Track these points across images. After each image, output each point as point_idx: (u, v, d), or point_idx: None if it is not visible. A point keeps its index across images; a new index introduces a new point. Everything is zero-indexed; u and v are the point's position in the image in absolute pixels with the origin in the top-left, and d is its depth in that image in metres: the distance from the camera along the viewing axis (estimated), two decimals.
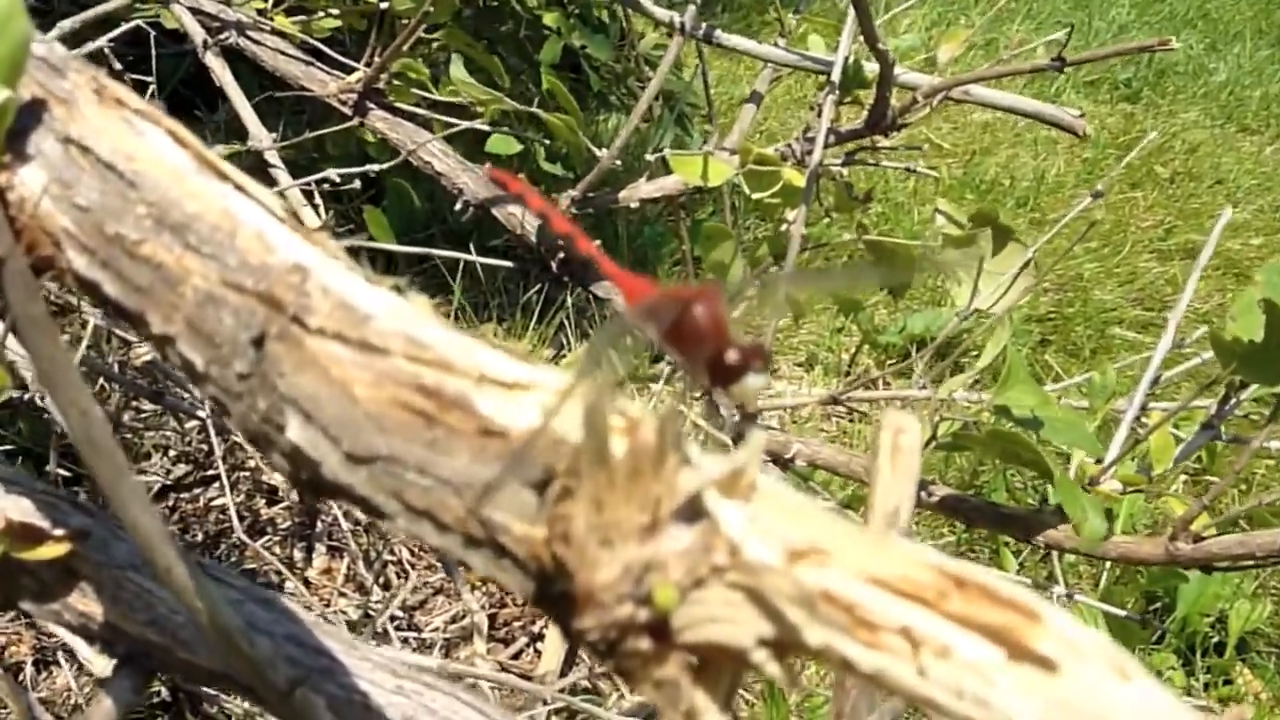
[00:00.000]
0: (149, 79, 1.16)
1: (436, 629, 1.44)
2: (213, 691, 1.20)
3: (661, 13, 1.05)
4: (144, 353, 1.24)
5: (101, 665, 0.52)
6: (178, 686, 1.24)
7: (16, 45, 0.35)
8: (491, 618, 1.48)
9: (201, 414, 1.30)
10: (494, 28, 1.90)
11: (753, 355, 0.34)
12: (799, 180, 0.92)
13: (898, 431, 0.44)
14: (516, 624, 1.50)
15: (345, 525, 1.44)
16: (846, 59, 0.96)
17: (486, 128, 1.06)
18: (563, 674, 1.34)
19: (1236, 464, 0.80)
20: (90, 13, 1.04)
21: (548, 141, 1.16)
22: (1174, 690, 0.47)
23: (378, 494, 0.31)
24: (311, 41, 1.15)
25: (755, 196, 0.94)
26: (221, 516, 1.47)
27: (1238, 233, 2.74)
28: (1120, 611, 1.01)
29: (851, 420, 2.04)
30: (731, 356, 0.34)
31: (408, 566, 1.51)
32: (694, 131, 2.10)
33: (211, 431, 1.30)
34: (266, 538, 1.48)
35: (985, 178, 2.88)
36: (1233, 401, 0.90)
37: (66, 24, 1.01)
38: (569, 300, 1.96)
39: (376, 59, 1.07)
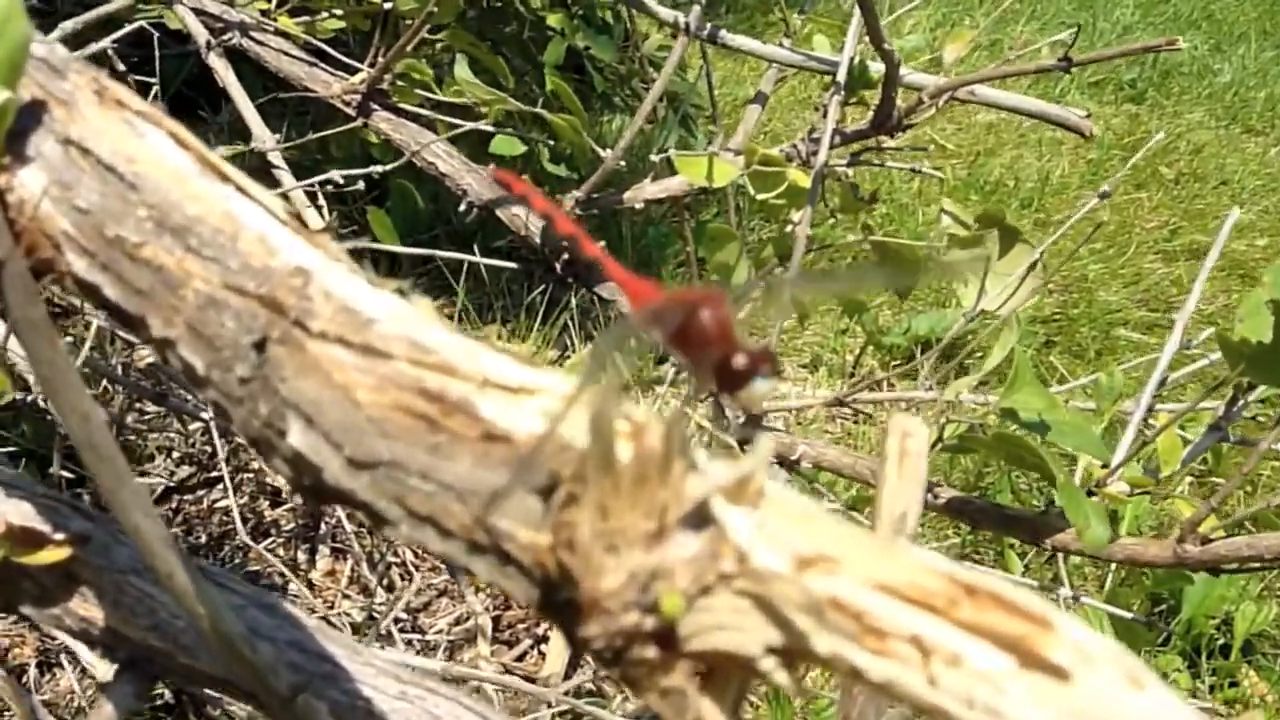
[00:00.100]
0: (152, 80, 1.16)
1: (440, 631, 1.44)
2: (216, 694, 1.19)
3: (666, 13, 1.05)
4: (147, 354, 1.24)
5: (104, 669, 0.51)
6: (181, 690, 1.24)
7: (16, 46, 0.35)
8: (495, 620, 1.47)
9: (205, 416, 1.30)
10: (498, 29, 1.90)
11: (761, 359, 0.34)
12: (804, 181, 0.92)
13: (904, 435, 0.43)
14: (521, 626, 1.49)
15: (349, 527, 1.44)
16: (852, 59, 0.96)
17: (491, 128, 1.06)
18: (567, 676, 1.34)
19: (1244, 466, 0.80)
20: (93, 13, 1.04)
21: (552, 142, 1.15)
22: (1179, 693, 0.46)
23: (380, 500, 0.30)
24: (315, 42, 1.15)
25: (760, 197, 0.93)
26: (225, 518, 1.47)
27: (1243, 234, 2.73)
28: (1126, 613, 1.01)
29: (856, 422, 2.04)
30: (739, 361, 0.34)
31: (412, 569, 1.51)
32: (698, 133, 2.10)
33: (215, 433, 1.29)
34: (270, 540, 1.48)
35: (990, 179, 2.88)
36: (1240, 403, 0.89)
37: (69, 25, 1.01)
38: (573, 302, 1.96)
39: (380, 59, 1.07)
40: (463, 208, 1.03)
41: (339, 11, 1.17)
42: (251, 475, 1.52)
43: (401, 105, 1.11)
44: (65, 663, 1.26)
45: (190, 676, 0.47)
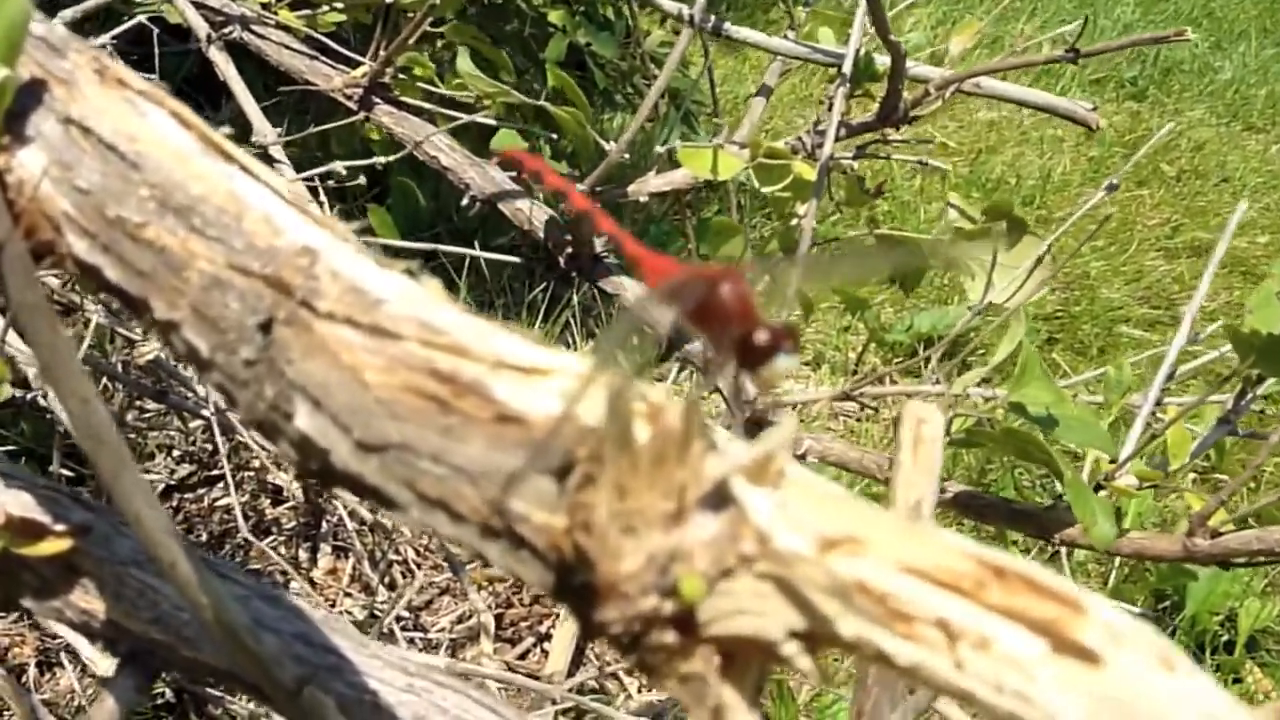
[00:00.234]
0: (152, 77, 1.15)
1: (443, 629, 1.44)
2: (217, 693, 1.19)
3: (670, 5, 1.04)
4: (148, 351, 1.23)
5: (105, 665, 0.51)
6: (182, 688, 1.23)
7: (14, 24, 0.34)
8: (498, 618, 1.47)
9: (206, 413, 1.29)
10: (499, 26, 1.89)
11: (782, 336, 0.33)
12: (810, 174, 0.91)
13: (919, 422, 0.43)
14: (523, 624, 1.49)
15: (350, 525, 1.43)
16: (858, 51, 0.95)
17: (493, 122, 1.05)
18: (570, 674, 1.33)
19: (1255, 459, 0.79)
20: (92, 2, 1.03)
21: (554, 137, 1.15)
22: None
23: (390, 483, 0.29)
24: (317, 36, 1.14)
25: (765, 190, 0.92)
26: (226, 516, 1.46)
27: (1244, 230, 2.73)
28: (1130, 609, 1.00)
29: (859, 420, 2.03)
30: (761, 337, 0.33)
31: (413, 566, 1.50)
32: (700, 129, 2.09)
33: (216, 431, 1.29)
34: (271, 538, 1.48)
35: (991, 176, 2.87)
36: (1249, 396, 0.88)
37: (67, 14, 1.00)
38: (575, 299, 1.95)
39: (382, 53, 1.06)
40: (465, 201, 1.03)
41: (340, 5, 1.16)
42: (252, 473, 1.51)
43: (403, 99, 1.10)
44: (65, 662, 1.25)
45: (193, 669, 0.46)
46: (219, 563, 0.54)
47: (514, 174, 1.01)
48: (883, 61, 0.97)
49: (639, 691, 1.42)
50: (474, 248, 1.19)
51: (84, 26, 1.05)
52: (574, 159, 1.70)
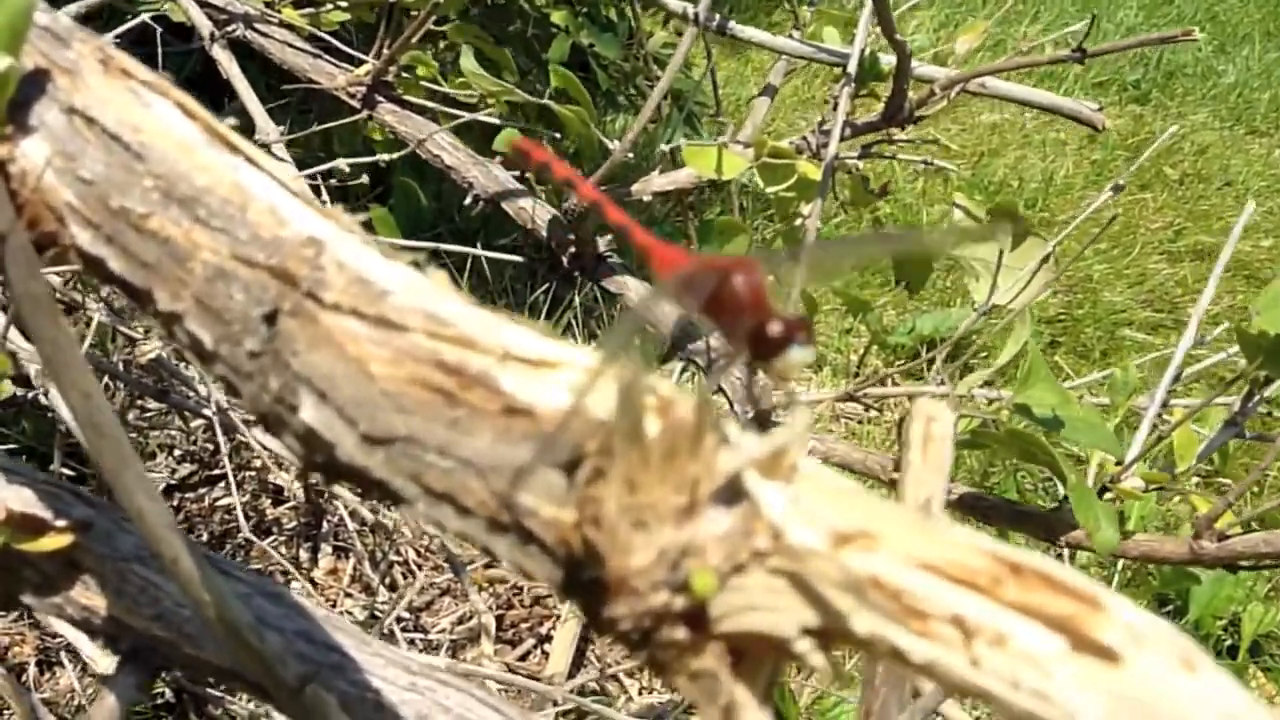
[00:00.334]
0: None
1: (443, 630, 1.43)
2: (217, 693, 1.19)
3: (675, 3, 1.04)
4: (149, 350, 1.23)
5: (105, 664, 0.50)
6: (182, 688, 1.23)
7: (18, 12, 0.34)
8: (499, 619, 1.46)
9: (208, 412, 1.29)
10: (502, 27, 1.89)
11: (797, 327, 0.32)
12: (814, 173, 0.91)
13: (929, 420, 0.42)
14: (524, 625, 1.48)
15: (351, 525, 1.43)
16: (863, 51, 0.95)
17: (496, 121, 1.05)
18: (571, 675, 1.33)
19: (1262, 462, 0.79)
20: None
21: (557, 136, 1.14)
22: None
23: (396, 477, 0.29)
24: (320, 35, 1.13)
25: (769, 190, 0.92)
26: (227, 516, 1.46)
27: (1247, 234, 2.72)
28: None
29: (860, 423, 2.03)
30: (775, 328, 0.32)
31: (414, 567, 1.50)
32: (703, 131, 2.09)
33: (218, 430, 1.28)
34: (272, 538, 1.47)
35: (994, 179, 2.87)
36: (1256, 398, 0.88)
37: (71, 8, 1.00)
38: (577, 300, 1.95)
39: (385, 52, 1.06)
40: (469, 200, 1.02)
41: (344, 3, 1.15)
42: (254, 473, 1.51)
43: (407, 98, 1.10)
44: (65, 661, 1.25)
45: (195, 667, 0.46)
46: (221, 559, 0.54)
47: (520, 168, 1.00)
48: (888, 61, 0.97)
49: (640, 693, 1.42)
50: (476, 248, 1.18)
51: (86, 25, 1.05)
52: (577, 159, 1.69)
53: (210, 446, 1.48)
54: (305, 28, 1.13)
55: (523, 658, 1.44)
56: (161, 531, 0.33)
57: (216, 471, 1.48)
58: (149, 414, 1.53)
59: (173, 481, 1.50)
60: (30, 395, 1.16)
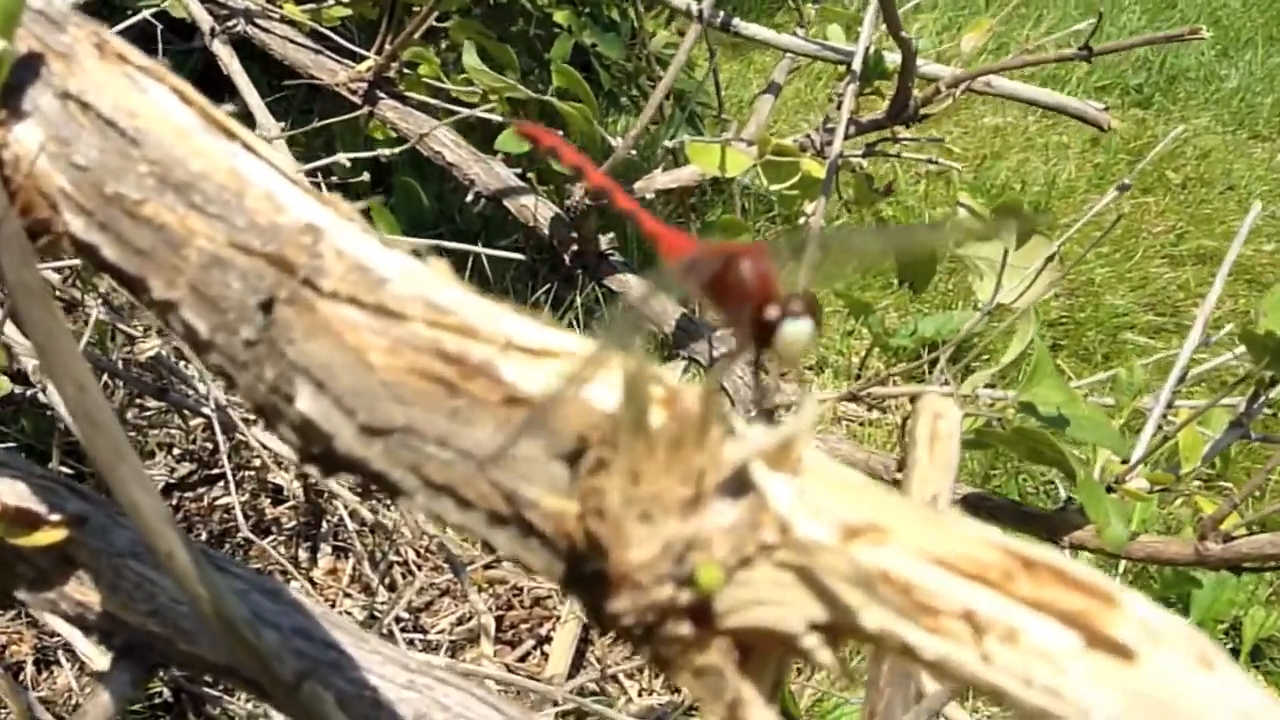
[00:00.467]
0: None
1: (443, 631, 1.42)
2: (215, 692, 1.18)
3: (678, 0, 1.03)
4: (149, 348, 1.22)
5: (102, 662, 0.50)
6: (180, 687, 1.22)
7: None
8: (498, 620, 1.46)
9: (207, 411, 1.28)
10: (504, 26, 1.88)
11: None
12: (818, 171, 0.90)
13: (936, 416, 0.42)
14: (524, 626, 1.48)
15: (351, 525, 1.42)
16: (868, 48, 0.94)
17: (499, 118, 1.04)
18: (570, 676, 1.32)
19: (1269, 463, 0.78)
20: None
21: (560, 134, 1.14)
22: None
23: (395, 469, 0.28)
24: (322, 30, 1.13)
25: (773, 188, 0.91)
26: (226, 515, 1.45)
27: (1250, 238, 2.70)
28: None
29: (862, 424, 2.02)
30: (772, 311, 0.32)
31: (414, 567, 1.49)
32: (705, 131, 2.08)
33: (217, 429, 1.28)
34: (271, 538, 1.46)
35: (996, 182, 2.86)
36: (1261, 399, 0.87)
37: (69, 1, 0.99)
38: (578, 300, 1.94)
39: (387, 48, 1.05)
40: (470, 198, 1.02)
41: None
42: (253, 472, 1.50)
43: (408, 95, 1.09)
44: (63, 660, 1.24)
45: (191, 664, 0.45)
46: (218, 555, 0.53)
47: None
48: (892, 59, 0.96)
49: (639, 695, 1.41)
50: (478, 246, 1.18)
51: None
52: None
53: (209, 445, 1.48)
54: (306, 23, 1.12)
55: (522, 659, 1.44)
56: (156, 525, 0.33)
57: (215, 471, 1.48)
58: (148, 412, 1.52)
59: (172, 480, 1.49)
60: (29, 393, 1.15)
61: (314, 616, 0.45)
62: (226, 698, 1.17)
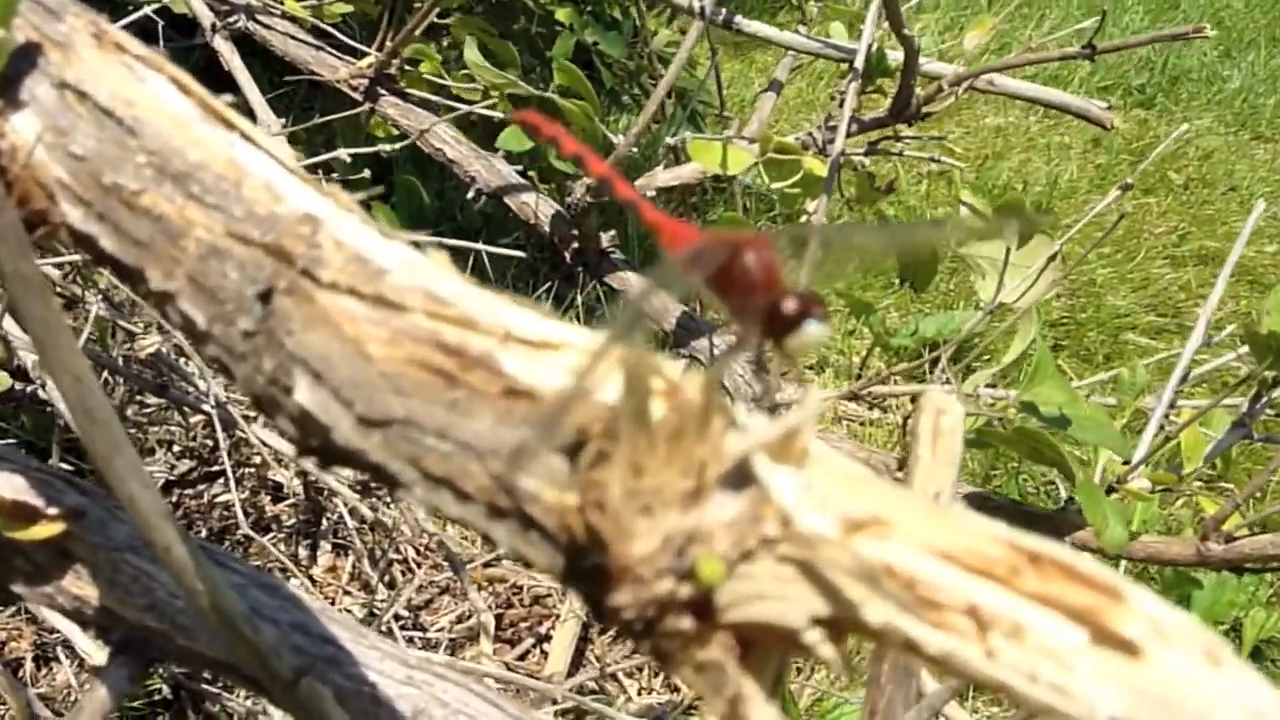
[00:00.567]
0: None
1: (442, 629, 1.42)
2: (214, 689, 1.18)
3: None
4: (149, 345, 1.22)
5: (101, 658, 0.49)
6: (179, 684, 1.22)
7: None
8: (498, 618, 1.45)
9: (207, 408, 1.28)
10: (506, 24, 1.88)
11: (812, 303, 0.31)
12: (820, 169, 0.90)
13: (939, 413, 0.41)
14: (523, 625, 1.47)
15: (351, 523, 1.42)
16: (870, 46, 0.94)
17: (500, 115, 1.04)
18: (570, 675, 1.32)
19: (1272, 462, 0.78)
20: None
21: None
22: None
23: (393, 461, 0.28)
24: (323, 27, 1.13)
25: (775, 186, 0.91)
26: (226, 513, 1.45)
27: (1251, 240, 2.70)
28: None
29: (863, 424, 2.02)
30: (790, 305, 0.31)
31: (413, 565, 1.49)
32: (706, 130, 2.08)
33: (217, 426, 1.27)
34: (271, 535, 1.46)
35: (998, 182, 2.86)
36: (1264, 399, 0.87)
37: None
38: (579, 299, 1.94)
39: (388, 44, 1.05)
40: (471, 195, 1.01)
41: None
42: (253, 470, 1.50)
43: (409, 92, 1.09)
44: (62, 656, 1.24)
45: (188, 659, 0.45)
46: (216, 550, 0.53)
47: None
48: (895, 57, 0.96)
49: (639, 693, 1.41)
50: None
51: None
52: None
53: (209, 442, 1.47)
54: (308, 20, 1.12)
55: (522, 657, 1.43)
56: (154, 519, 0.32)
57: (215, 468, 1.47)
58: (148, 409, 1.52)
59: (171, 477, 1.49)
60: (29, 389, 1.15)
61: (312, 612, 0.45)
62: (225, 694, 1.17)
